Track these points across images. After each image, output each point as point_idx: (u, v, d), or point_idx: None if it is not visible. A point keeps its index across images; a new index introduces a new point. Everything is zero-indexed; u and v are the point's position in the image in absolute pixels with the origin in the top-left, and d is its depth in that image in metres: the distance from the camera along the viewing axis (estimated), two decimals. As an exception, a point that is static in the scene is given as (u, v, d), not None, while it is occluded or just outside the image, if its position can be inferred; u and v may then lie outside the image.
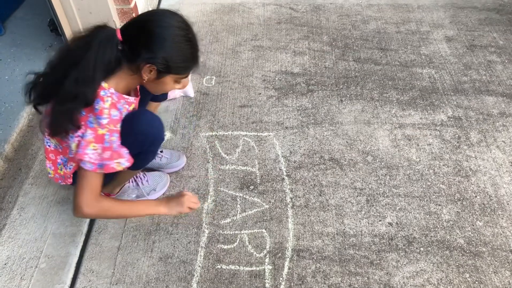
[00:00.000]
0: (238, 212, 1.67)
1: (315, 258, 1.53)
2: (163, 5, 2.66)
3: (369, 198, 1.70)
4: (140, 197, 1.70)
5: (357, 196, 1.71)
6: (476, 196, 1.70)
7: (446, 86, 2.13)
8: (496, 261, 1.52)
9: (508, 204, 1.67)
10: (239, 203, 1.70)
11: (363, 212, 1.66)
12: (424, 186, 1.73)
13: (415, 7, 2.61)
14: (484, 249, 1.55)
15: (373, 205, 1.68)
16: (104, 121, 1.25)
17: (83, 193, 1.29)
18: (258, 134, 1.93)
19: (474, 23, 2.49)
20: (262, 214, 1.66)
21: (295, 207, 1.68)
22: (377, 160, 1.82)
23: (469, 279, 1.48)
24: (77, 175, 1.31)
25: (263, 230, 1.61)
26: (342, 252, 1.55)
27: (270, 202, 1.69)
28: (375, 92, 2.10)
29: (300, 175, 1.78)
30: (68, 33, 2.16)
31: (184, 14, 2.07)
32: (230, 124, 1.98)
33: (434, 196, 1.70)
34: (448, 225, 1.62)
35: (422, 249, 1.56)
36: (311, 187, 1.74)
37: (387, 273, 1.49)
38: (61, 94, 1.22)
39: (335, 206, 1.68)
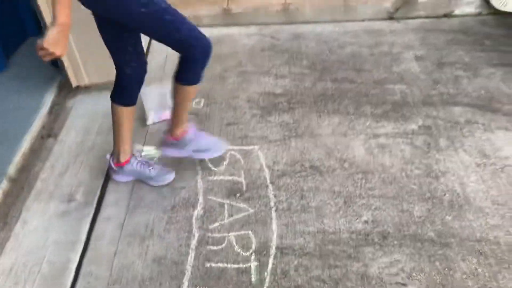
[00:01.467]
0: (226, 217, 1.80)
1: (297, 254, 1.66)
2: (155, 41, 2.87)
3: (346, 200, 1.84)
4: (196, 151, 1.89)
5: (336, 198, 1.85)
6: (445, 194, 1.84)
7: (416, 99, 2.31)
8: (463, 250, 1.65)
9: (474, 200, 1.81)
10: (226, 209, 1.83)
11: (341, 212, 1.79)
12: (397, 187, 1.88)
13: (387, 31, 2.83)
14: (452, 240, 1.68)
15: (350, 206, 1.82)
16: None
17: None
18: (244, 147, 2.09)
19: (441, 43, 2.70)
20: (248, 218, 1.79)
21: (278, 210, 1.81)
22: (354, 166, 1.97)
23: (439, 266, 1.60)
24: None
25: (249, 232, 1.74)
26: (322, 248, 1.67)
27: (255, 207, 1.83)
28: (351, 107, 2.28)
29: (283, 182, 1.92)
30: (67, 66, 2.35)
31: None
32: (218, 140, 2.14)
33: (406, 196, 1.84)
34: (419, 220, 1.75)
35: (396, 242, 1.68)
36: (293, 192, 1.88)
37: (364, 265, 1.61)
38: None
39: (316, 208, 1.81)
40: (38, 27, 2.82)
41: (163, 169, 1.96)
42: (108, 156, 1.95)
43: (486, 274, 1.57)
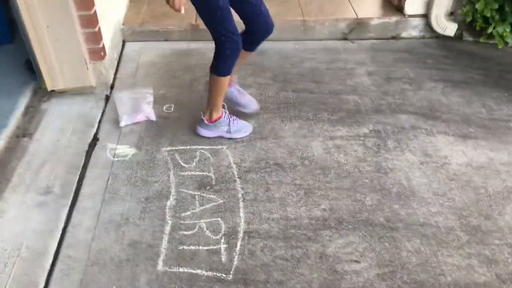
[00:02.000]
0: (197, 206, 1.95)
1: (263, 237, 1.83)
2: (127, 50, 3.04)
3: (306, 191, 2.04)
4: (228, 132, 2.26)
5: (297, 190, 2.04)
6: (393, 187, 2.08)
7: (367, 108, 2.57)
8: (409, 232, 1.87)
9: (418, 192, 2.05)
10: (197, 200, 1.99)
11: (302, 202, 1.99)
12: (351, 181, 2.10)
13: (342, 50, 3.11)
14: (400, 225, 1.90)
15: (310, 197, 2.01)
16: None
17: None
18: (213, 147, 2.26)
19: (390, 61, 3.00)
20: (217, 207, 1.95)
21: (245, 200, 1.98)
22: (313, 163, 2.18)
23: (388, 246, 1.81)
24: None
25: (219, 219, 1.90)
26: (285, 232, 1.85)
27: (224, 197, 2.00)
28: (310, 113, 2.50)
29: (250, 177, 2.10)
30: (44, 71, 2.46)
31: (146, 57, 2.50)
32: (188, 140, 2.30)
33: (359, 188, 2.06)
34: (371, 208, 1.97)
35: (350, 226, 1.89)
36: (259, 185, 2.06)
37: (322, 245, 1.80)
38: None
39: (279, 199, 2.00)
40: (11, 35, 2.93)
41: (245, 123, 2.33)
42: (202, 115, 2.26)
43: (428, 252, 1.79)
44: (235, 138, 2.29)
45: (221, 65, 2.08)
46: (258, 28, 2.13)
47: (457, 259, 1.77)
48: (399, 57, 3.05)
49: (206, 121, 2.25)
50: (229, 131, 2.28)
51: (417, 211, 1.96)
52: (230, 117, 2.28)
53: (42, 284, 1.65)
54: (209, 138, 2.30)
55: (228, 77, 2.15)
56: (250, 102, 2.44)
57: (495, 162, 2.22)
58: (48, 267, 1.70)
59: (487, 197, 2.03)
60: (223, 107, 2.27)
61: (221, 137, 2.30)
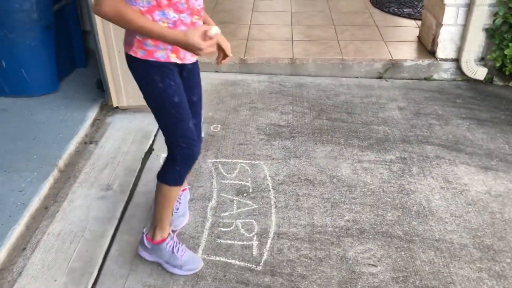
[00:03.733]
0: (235, 209, 2.22)
1: (290, 238, 2.06)
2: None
3: (333, 204, 2.26)
4: (167, 262, 1.85)
5: (324, 203, 2.28)
6: (413, 206, 2.27)
7: (396, 137, 2.79)
8: (424, 245, 2.05)
9: (437, 212, 2.24)
10: (235, 203, 2.26)
11: (328, 213, 2.21)
12: (375, 199, 2.31)
13: (376, 87, 3.38)
14: (416, 238, 2.09)
15: (336, 209, 2.24)
16: None
17: None
18: (252, 162, 2.55)
19: (420, 99, 3.23)
20: (252, 211, 2.21)
21: (277, 207, 2.24)
22: (341, 181, 2.41)
23: (404, 255, 2.00)
24: None
25: (253, 221, 2.16)
26: (311, 236, 2.08)
27: (258, 204, 2.26)
28: (342, 139, 2.75)
29: (282, 188, 2.36)
30: (112, 89, 2.86)
31: None
32: (231, 155, 2.60)
33: (382, 205, 2.27)
34: (391, 223, 2.17)
35: (370, 236, 2.09)
36: (290, 196, 2.31)
37: (343, 250, 2.01)
38: None
39: (307, 208, 2.24)
40: (86, 61, 3.39)
41: (194, 256, 1.90)
42: (144, 230, 1.99)
43: (441, 263, 1.96)
44: (175, 274, 1.86)
45: (169, 172, 1.74)
46: None
47: (467, 272, 1.93)
48: (429, 96, 3.27)
49: (146, 240, 1.86)
50: (168, 262, 1.84)
51: (434, 228, 2.14)
52: (176, 245, 1.86)
53: (100, 259, 1.94)
54: (248, 155, 2.59)
55: (178, 188, 1.78)
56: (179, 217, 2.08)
57: (513, 192, 2.38)
58: (106, 247, 2.00)
59: (503, 222, 2.19)
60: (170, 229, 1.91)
61: (260, 152, 2.58)
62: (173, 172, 1.74)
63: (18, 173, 2.33)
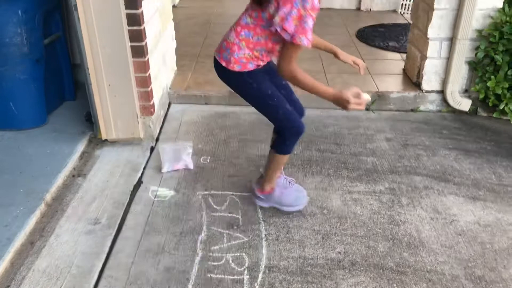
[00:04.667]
0: (225, 242, 2.20)
1: (282, 272, 2.04)
2: (172, 110, 3.45)
3: (324, 236, 2.25)
4: (279, 204, 2.34)
5: (315, 234, 2.26)
6: (404, 237, 2.27)
7: (384, 168, 2.81)
8: (416, 277, 2.04)
9: (427, 243, 2.24)
10: (225, 237, 2.23)
11: (319, 245, 2.20)
12: (365, 230, 2.31)
13: (363, 118, 3.42)
14: (408, 270, 2.08)
15: (327, 241, 2.23)
16: (308, 5, 1.73)
17: (292, 59, 1.86)
18: (242, 193, 2.54)
19: (407, 130, 3.28)
20: (242, 244, 2.19)
21: (268, 240, 2.22)
22: (331, 213, 2.41)
23: (396, 287, 1.98)
24: (283, 47, 1.88)
25: (243, 254, 2.13)
26: (302, 269, 2.06)
27: (249, 236, 2.24)
28: (331, 170, 2.77)
29: (273, 220, 2.35)
30: (101, 122, 2.86)
31: (188, 117, 2.94)
32: (220, 187, 2.59)
33: (372, 236, 2.26)
34: (382, 254, 2.16)
35: (362, 268, 2.08)
36: (281, 228, 2.30)
37: (335, 282, 1.99)
38: None
39: (299, 241, 2.22)
40: (75, 94, 3.40)
41: (297, 195, 2.39)
42: (253, 185, 2.42)
43: (433, 295, 1.95)
44: (288, 211, 2.36)
45: (281, 145, 2.20)
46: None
47: (460, 303, 1.92)
48: (416, 127, 3.32)
49: (257, 192, 2.37)
50: (280, 204, 2.36)
51: (425, 259, 2.14)
52: (286, 185, 2.36)
53: (88, 296, 1.90)
54: (238, 187, 2.59)
55: (287, 156, 2.25)
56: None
57: (502, 222, 2.39)
58: (93, 283, 1.95)
59: (493, 252, 2.19)
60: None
61: (247, 186, 2.57)
62: (284, 145, 2.21)
63: (3, 208, 2.29)
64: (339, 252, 2.16)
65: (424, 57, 3.47)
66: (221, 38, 2.10)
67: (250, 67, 2.00)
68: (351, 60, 2.38)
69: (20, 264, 2.04)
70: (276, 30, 1.82)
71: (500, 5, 3.21)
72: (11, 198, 2.36)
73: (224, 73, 2.08)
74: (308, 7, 1.75)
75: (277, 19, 1.79)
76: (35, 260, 2.06)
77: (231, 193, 2.55)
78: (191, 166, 2.75)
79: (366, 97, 1.85)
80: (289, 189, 2.39)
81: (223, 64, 2.03)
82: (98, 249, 2.13)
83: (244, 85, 2.07)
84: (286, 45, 1.85)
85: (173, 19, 3.78)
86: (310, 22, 1.78)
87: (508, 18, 3.13)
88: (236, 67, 2.00)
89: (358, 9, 5.87)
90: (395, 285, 1.99)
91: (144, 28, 2.73)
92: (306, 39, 1.79)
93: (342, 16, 5.54)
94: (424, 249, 2.20)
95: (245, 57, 1.98)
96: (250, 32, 1.93)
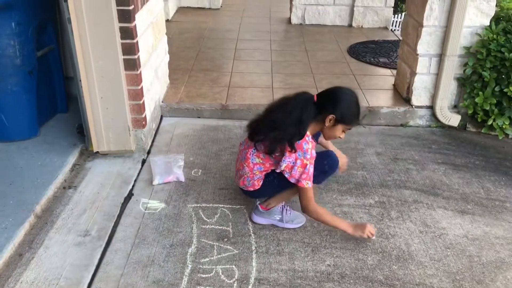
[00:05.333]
0: (215, 254, 2.20)
1: (271, 284, 2.04)
2: (164, 124, 3.46)
3: (313, 249, 2.26)
4: (280, 221, 2.39)
5: (305, 247, 2.27)
6: (393, 250, 2.28)
7: (374, 182, 2.84)
8: (405, 290, 2.05)
9: (416, 256, 2.25)
10: (215, 249, 2.23)
11: (309, 257, 2.21)
12: (355, 243, 2.32)
13: (354, 133, 3.45)
14: (397, 283, 2.09)
15: (316, 253, 2.23)
16: (308, 156, 2.11)
17: (311, 201, 2.19)
18: (233, 206, 2.55)
19: (397, 145, 3.32)
20: (233, 256, 2.19)
21: (258, 252, 2.22)
22: (321, 226, 2.42)
23: (385, 300, 1.99)
24: (299, 191, 2.21)
25: (233, 266, 2.13)
26: (292, 281, 2.06)
27: (239, 249, 2.24)
28: (321, 184, 2.78)
29: (263, 233, 2.35)
30: (92, 134, 2.87)
31: (180, 130, 2.96)
32: (211, 199, 2.60)
33: (362, 249, 2.28)
34: (371, 267, 2.17)
35: (351, 281, 2.08)
36: (271, 240, 2.31)
37: (325, 295, 2.00)
38: (285, 128, 2.09)
39: (288, 253, 2.23)
40: (67, 106, 3.41)
41: (298, 214, 2.43)
42: (257, 202, 2.43)
43: (422, 308, 1.96)
44: (288, 228, 2.38)
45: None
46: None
47: (449, 316, 1.92)
48: (405, 142, 3.36)
49: (260, 208, 2.38)
50: (281, 220, 2.38)
51: (414, 272, 2.15)
52: (284, 207, 2.41)
53: (76, 308, 1.88)
54: (229, 199, 2.59)
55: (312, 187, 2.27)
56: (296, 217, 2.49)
57: (490, 236, 2.41)
58: (81, 295, 1.94)
59: (481, 265, 2.21)
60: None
61: (241, 196, 2.58)
62: (322, 179, 2.41)
63: (-8, 219, 2.28)
64: (329, 265, 2.17)
65: (413, 73, 3.52)
66: (236, 173, 2.44)
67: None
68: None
69: (8, 276, 2.02)
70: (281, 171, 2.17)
71: (487, 23, 3.28)
72: (0, 209, 2.35)
73: (254, 193, 2.37)
74: (308, 158, 2.11)
75: (283, 165, 2.14)
76: (23, 271, 2.04)
77: (222, 205, 2.55)
78: (182, 179, 2.75)
79: (374, 235, 2.31)
80: (291, 209, 2.44)
81: (251, 189, 2.33)
82: (87, 261, 2.12)
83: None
84: (298, 190, 2.22)
85: (166, 33, 3.82)
86: (311, 169, 2.14)
87: (495, 36, 3.20)
88: (256, 185, 2.31)
89: (350, 25, 5.96)
90: (384, 297, 2.00)
91: (137, 42, 2.76)
92: (310, 182, 2.16)
93: (334, 33, 5.63)
94: (413, 262, 2.21)
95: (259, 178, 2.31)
96: (261, 167, 2.27)
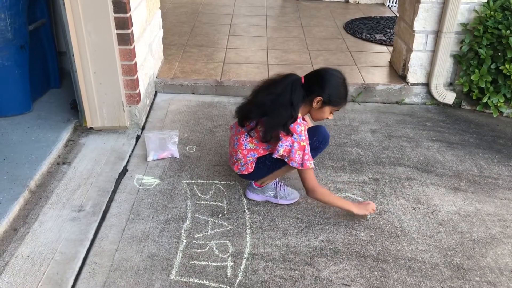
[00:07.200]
0: (209, 230, 2.21)
1: (265, 259, 2.06)
2: (158, 100, 3.44)
3: (307, 225, 2.28)
4: (275, 197, 2.40)
5: (299, 223, 2.29)
6: (386, 226, 2.31)
7: (368, 159, 2.85)
8: (397, 265, 2.08)
9: (408, 232, 2.28)
10: (210, 224, 2.25)
11: (302, 233, 2.23)
12: (348, 219, 2.34)
13: (349, 110, 3.45)
14: (389, 258, 2.12)
15: (310, 229, 2.26)
16: (303, 138, 2.10)
17: (313, 182, 2.19)
18: (227, 182, 2.55)
19: (392, 122, 3.32)
20: (227, 232, 2.21)
21: (252, 228, 2.24)
22: (315, 202, 2.43)
23: (377, 275, 2.02)
24: (302, 174, 2.20)
25: (227, 241, 2.15)
26: (285, 256, 2.08)
27: (233, 224, 2.25)
28: (316, 161, 2.78)
29: (257, 209, 2.37)
30: (86, 110, 2.84)
31: (174, 106, 2.91)
32: (206, 176, 2.60)
33: (355, 225, 2.30)
34: (364, 243, 2.19)
35: (344, 256, 2.11)
36: (265, 216, 2.32)
37: (317, 270, 2.02)
38: (277, 112, 2.06)
39: (282, 229, 2.25)
40: (60, 81, 3.37)
41: (293, 190, 2.46)
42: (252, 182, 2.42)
43: (413, 282, 1.99)
44: (282, 204, 2.40)
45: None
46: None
47: (439, 290, 1.96)
48: (400, 119, 3.36)
49: (254, 185, 2.40)
50: (275, 196, 2.40)
51: (406, 248, 2.18)
52: (278, 183, 2.42)
53: (71, 282, 1.90)
54: (223, 176, 2.60)
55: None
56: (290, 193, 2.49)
57: (481, 212, 2.44)
58: (77, 269, 1.96)
59: (472, 241, 2.24)
60: None
61: (235, 173, 2.59)
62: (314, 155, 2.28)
63: (-14, 194, 2.28)
64: (322, 240, 2.19)
65: (410, 50, 3.50)
66: (230, 158, 2.40)
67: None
68: None
69: (3, 251, 2.03)
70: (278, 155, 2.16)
71: (485, 0, 3.25)
72: (-6, 184, 2.35)
73: (248, 176, 2.36)
74: (304, 139, 2.11)
75: (280, 150, 2.12)
76: (18, 246, 2.06)
77: (217, 182, 2.56)
78: (176, 155, 2.75)
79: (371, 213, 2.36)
80: (284, 186, 2.46)
81: (245, 173, 2.32)
82: (82, 235, 2.14)
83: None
84: (300, 173, 2.21)
85: (160, 8, 3.76)
86: (308, 148, 2.14)
87: (492, 13, 3.17)
88: (250, 168, 2.30)
89: (347, 1, 5.89)
90: (376, 272, 2.03)
91: (130, 16, 2.71)
92: (312, 162, 2.16)
93: (331, 8, 5.56)
94: (405, 238, 2.24)
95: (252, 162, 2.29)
96: (255, 153, 2.26)
